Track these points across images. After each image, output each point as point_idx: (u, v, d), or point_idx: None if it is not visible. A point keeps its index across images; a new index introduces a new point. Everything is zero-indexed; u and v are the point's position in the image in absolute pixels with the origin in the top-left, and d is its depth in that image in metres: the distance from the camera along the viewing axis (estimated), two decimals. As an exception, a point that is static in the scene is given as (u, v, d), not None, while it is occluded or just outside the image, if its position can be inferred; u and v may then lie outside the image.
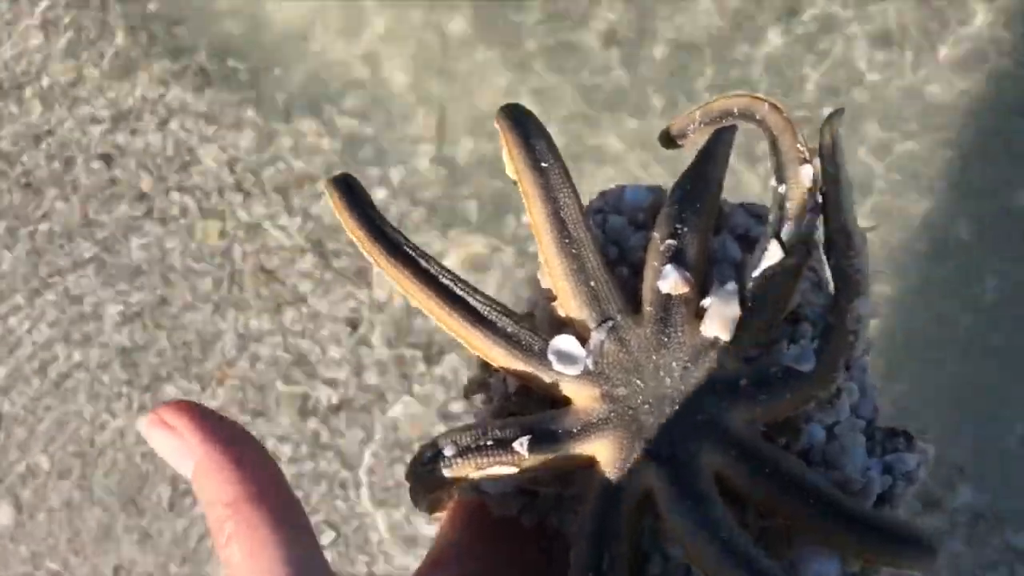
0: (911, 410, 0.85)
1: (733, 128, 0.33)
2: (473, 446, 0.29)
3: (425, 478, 0.30)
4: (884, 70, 0.90)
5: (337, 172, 0.33)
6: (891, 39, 0.90)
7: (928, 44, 0.89)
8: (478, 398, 0.33)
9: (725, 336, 0.30)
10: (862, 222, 0.31)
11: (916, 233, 0.89)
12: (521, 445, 0.29)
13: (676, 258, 0.31)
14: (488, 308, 0.31)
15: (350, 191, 0.32)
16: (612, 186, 0.35)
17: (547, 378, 0.30)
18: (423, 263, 0.31)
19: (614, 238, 0.33)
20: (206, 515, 0.29)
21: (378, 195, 0.96)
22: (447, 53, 0.98)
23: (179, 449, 0.29)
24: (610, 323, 0.30)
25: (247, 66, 1.01)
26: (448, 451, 0.29)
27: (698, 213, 0.32)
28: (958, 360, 0.87)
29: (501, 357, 0.31)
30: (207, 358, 0.94)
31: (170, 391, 0.93)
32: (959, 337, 0.87)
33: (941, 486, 0.83)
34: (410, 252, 0.31)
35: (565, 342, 0.30)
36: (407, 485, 0.31)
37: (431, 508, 0.31)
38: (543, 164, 0.31)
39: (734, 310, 0.30)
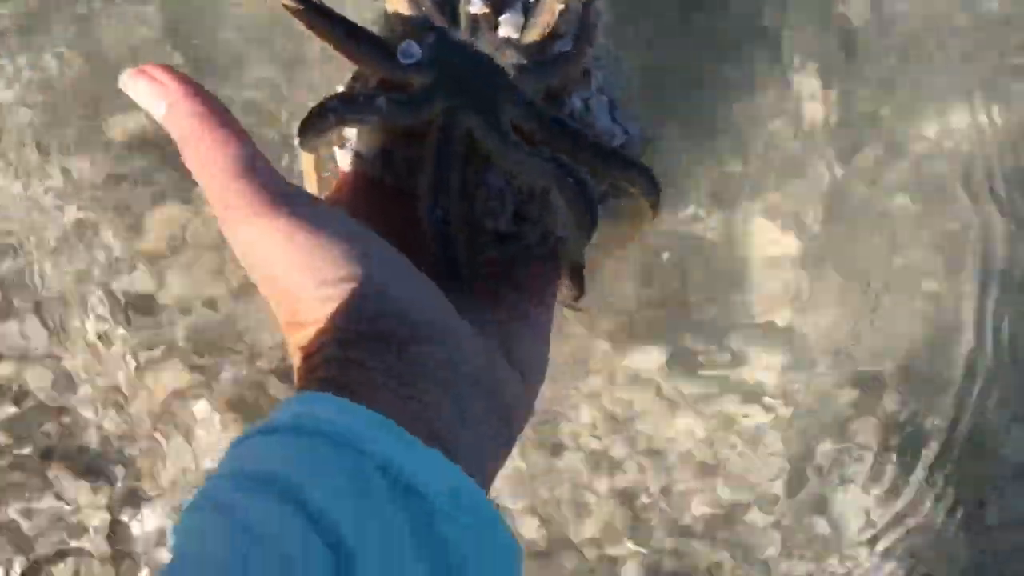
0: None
1: None
2: (350, 99, 0.43)
3: (315, 124, 0.43)
4: None
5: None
6: None
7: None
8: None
9: (515, 36, 0.45)
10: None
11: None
12: (382, 100, 0.43)
13: (479, -6, 0.46)
14: (360, 30, 0.45)
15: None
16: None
17: (398, 70, 0.45)
18: (322, 7, 0.45)
19: None
20: (177, 137, 0.39)
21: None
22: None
23: (157, 91, 0.39)
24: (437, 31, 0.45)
25: None
26: (331, 104, 0.43)
27: None
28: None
29: (368, 61, 0.45)
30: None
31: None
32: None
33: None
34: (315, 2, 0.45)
35: (408, 45, 0.45)
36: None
37: (311, 149, 0.45)
38: None
39: (519, 20, 0.46)
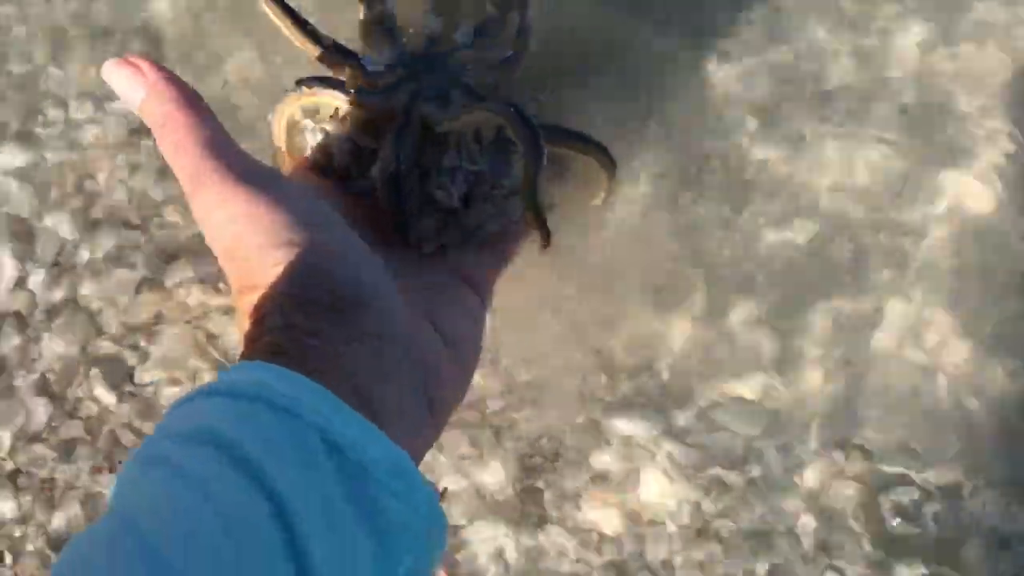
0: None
1: None
2: (323, 79, 0.51)
3: (291, 95, 0.51)
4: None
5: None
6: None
7: None
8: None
9: (467, 42, 0.53)
10: None
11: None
12: (351, 89, 0.50)
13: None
14: (334, 43, 0.53)
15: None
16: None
17: (365, 75, 0.52)
18: (302, 19, 0.53)
19: None
20: (152, 123, 0.42)
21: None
22: None
23: (136, 79, 0.42)
24: (399, 46, 0.53)
25: None
26: (305, 80, 0.50)
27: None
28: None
29: (343, 72, 0.52)
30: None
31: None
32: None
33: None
34: (296, 13, 0.53)
35: (376, 52, 0.53)
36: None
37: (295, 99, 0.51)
38: None
39: (470, 33, 0.54)
